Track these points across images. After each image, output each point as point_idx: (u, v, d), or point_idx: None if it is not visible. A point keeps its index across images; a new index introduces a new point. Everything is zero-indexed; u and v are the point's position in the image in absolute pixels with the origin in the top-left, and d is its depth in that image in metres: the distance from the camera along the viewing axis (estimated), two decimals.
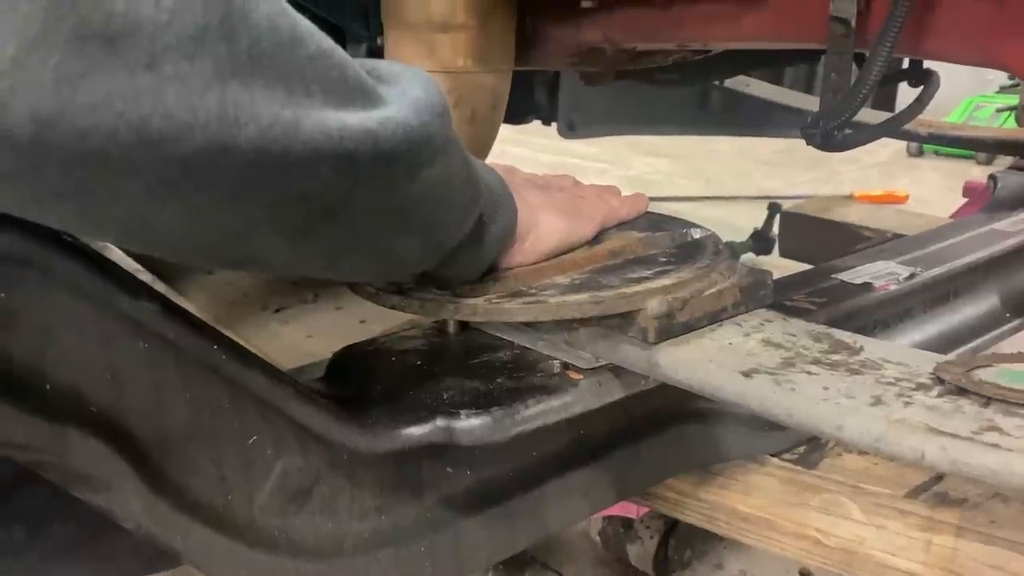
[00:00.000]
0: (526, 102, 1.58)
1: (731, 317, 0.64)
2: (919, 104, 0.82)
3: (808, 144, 0.80)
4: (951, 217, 1.45)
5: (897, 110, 0.84)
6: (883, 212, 1.67)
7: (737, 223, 2.29)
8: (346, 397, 0.61)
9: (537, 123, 1.66)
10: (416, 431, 0.57)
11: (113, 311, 0.44)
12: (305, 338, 1.11)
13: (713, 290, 0.63)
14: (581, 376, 0.64)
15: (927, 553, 0.66)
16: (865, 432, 0.48)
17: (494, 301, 0.59)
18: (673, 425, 0.73)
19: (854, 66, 0.75)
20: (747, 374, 0.55)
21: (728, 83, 1.64)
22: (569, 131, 1.59)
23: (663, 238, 0.72)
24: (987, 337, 1.01)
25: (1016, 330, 1.05)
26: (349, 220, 0.45)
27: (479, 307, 0.59)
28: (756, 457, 0.79)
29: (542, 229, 0.64)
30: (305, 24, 0.38)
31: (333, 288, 1.22)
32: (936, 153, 4.03)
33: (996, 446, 0.45)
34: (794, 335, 0.61)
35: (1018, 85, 3.59)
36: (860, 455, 0.80)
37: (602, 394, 0.64)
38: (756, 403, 0.53)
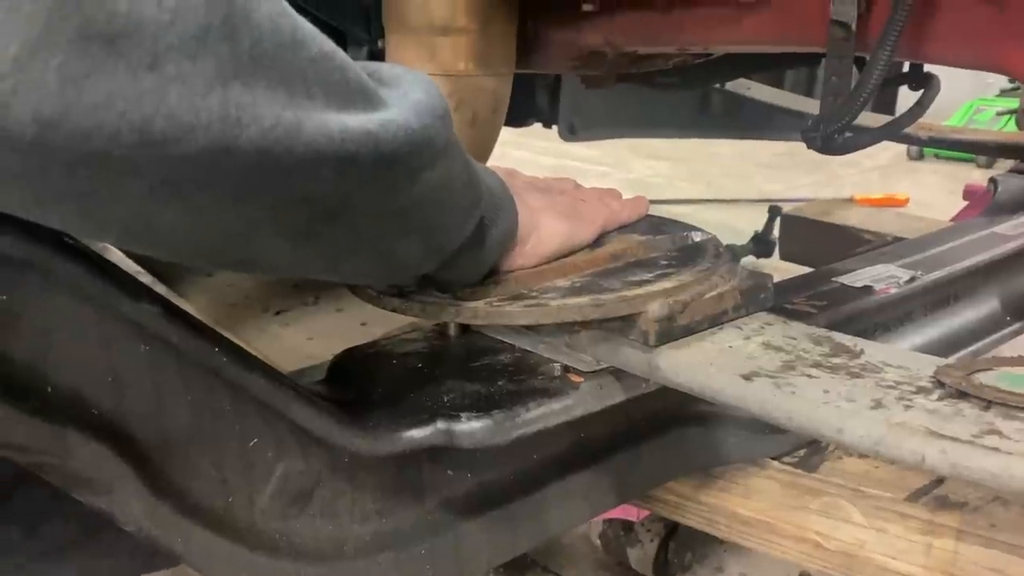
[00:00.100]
0: (527, 105, 1.58)
1: (732, 320, 0.64)
2: (919, 108, 0.82)
3: (809, 147, 0.80)
4: (951, 220, 1.45)
5: (898, 113, 0.84)
6: (884, 215, 1.67)
7: (737, 226, 2.29)
8: (347, 400, 0.61)
9: (538, 126, 1.66)
10: (417, 434, 0.57)
11: (114, 313, 0.44)
12: (306, 340, 1.11)
13: (714, 293, 0.63)
14: (582, 379, 0.64)
15: (927, 557, 0.66)
16: (865, 435, 0.48)
17: (495, 304, 0.59)
18: (674, 428, 0.73)
19: (855, 69, 0.76)
20: (748, 377, 0.55)
21: (729, 86, 1.64)
22: (570, 134, 1.59)
23: (664, 241, 0.72)
24: (987, 340, 1.01)
25: (1016, 333, 1.05)
26: (350, 222, 0.45)
27: (480, 310, 0.59)
28: (756, 460, 0.79)
29: (543, 232, 0.64)
30: (307, 26, 0.38)
31: (334, 291, 1.21)
32: (936, 156, 4.03)
33: (996, 449, 0.45)
34: (794, 338, 0.61)
35: (1018, 88, 3.59)
36: (860, 458, 0.80)
37: (603, 397, 0.64)
38: (756, 406, 0.53)
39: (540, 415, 0.61)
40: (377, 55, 1.09)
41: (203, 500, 0.50)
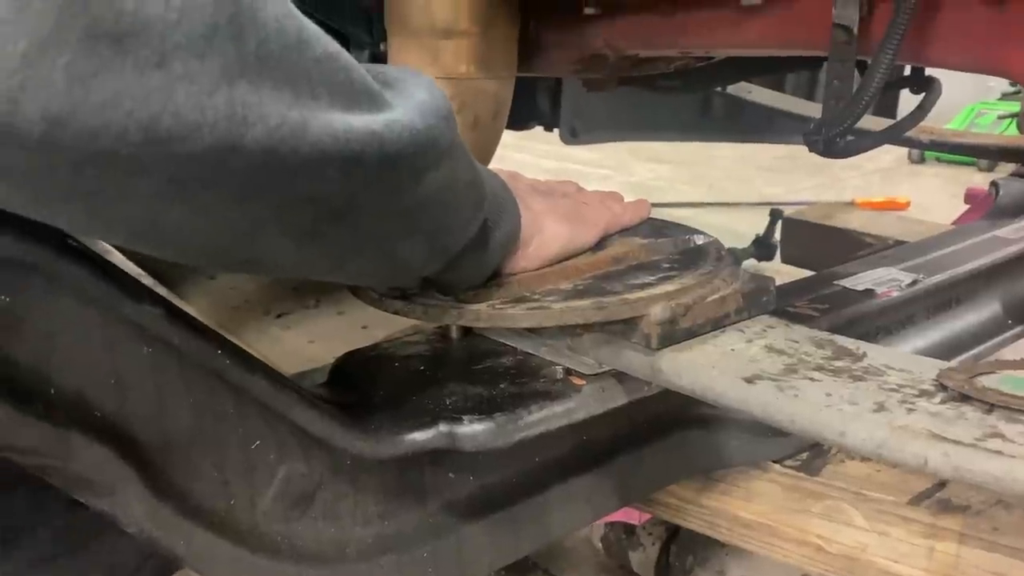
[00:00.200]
0: (529, 108, 1.58)
1: (734, 323, 0.64)
2: (921, 111, 0.82)
3: (810, 151, 0.80)
4: (953, 224, 1.45)
5: (899, 117, 0.84)
6: (885, 219, 1.67)
7: (739, 229, 2.29)
8: (349, 402, 0.61)
9: (539, 129, 1.67)
10: (419, 437, 0.57)
11: (117, 316, 0.44)
12: (307, 343, 1.11)
13: (716, 296, 0.63)
14: (584, 382, 0.64)
15: (929, 560, 0.66)
16: (868, 438, 0.48)
17: (497, 307, 0.59)
18: (676, 431, 0.72)
19: (856, 73, 0.76)
20: (750, 380, 0.55)
21: (730, 89, 1.64)
22: (571, 137, 1.59)
23: (666, 244, 0.72)
24: (989, 344, 1.01)
25: (1018, 336, 1.05)
26: (355, 222, 0.45)
27: (482, 313, 0.59)
28: (758, 463, 0.79)
29: (545, 235, 0.64)
30: (312, 27, 0.38)
31: (335, 293, 1.21)
32: (938, 160, 4.03)
33: (999, 453, 0.45)
34: (797, 341, 0.61)
35: (1019, 92, 3.60)
36: (863, 462, 0.80)
37: (605, 400, 0.64)
38: (759, 409, 0.53)
39: (542, 418, 0.61)
40: (379, 58, 1.09)
41: (205, 502, 0.50)
